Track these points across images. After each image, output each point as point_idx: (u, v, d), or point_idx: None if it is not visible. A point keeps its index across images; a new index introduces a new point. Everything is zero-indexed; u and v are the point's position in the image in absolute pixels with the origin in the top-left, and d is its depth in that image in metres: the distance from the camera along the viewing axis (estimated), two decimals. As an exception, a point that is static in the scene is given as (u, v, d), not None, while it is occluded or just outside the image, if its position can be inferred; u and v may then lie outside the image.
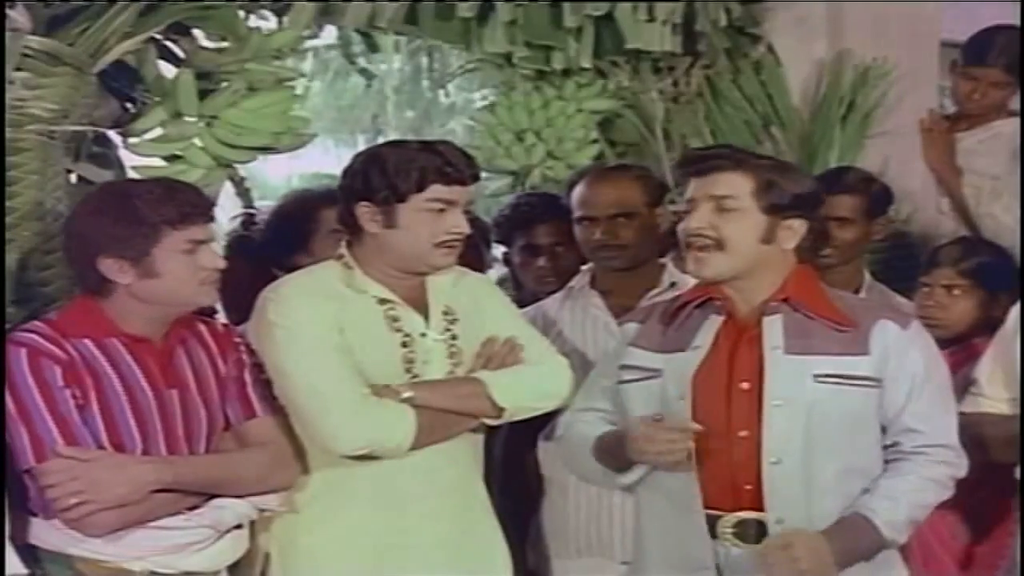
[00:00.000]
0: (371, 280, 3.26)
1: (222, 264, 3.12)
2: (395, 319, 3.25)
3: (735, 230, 3.02)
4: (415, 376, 3.24)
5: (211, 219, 3.15)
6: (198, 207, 3.09)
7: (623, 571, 3.68)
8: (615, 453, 3.12)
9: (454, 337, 3.30)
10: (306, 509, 3.25)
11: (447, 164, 3.21)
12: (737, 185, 3.02)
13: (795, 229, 3.06)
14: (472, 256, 3.70)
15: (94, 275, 3.05)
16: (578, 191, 3.86)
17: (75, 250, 3.11)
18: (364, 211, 3.23)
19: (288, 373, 3.18)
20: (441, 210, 3.22)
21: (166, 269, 3.03)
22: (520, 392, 3.28)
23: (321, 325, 3.18)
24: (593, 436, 3.18)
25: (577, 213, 3.83)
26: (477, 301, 3.35)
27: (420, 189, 3.20)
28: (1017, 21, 4.76)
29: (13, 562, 2.97)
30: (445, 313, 3.30)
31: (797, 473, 2.98)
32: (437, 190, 3.21)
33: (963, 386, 3.52)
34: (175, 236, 3.03)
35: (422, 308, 3.28)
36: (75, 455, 2.94)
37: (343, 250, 3.30)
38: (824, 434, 2.99)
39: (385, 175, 3.20)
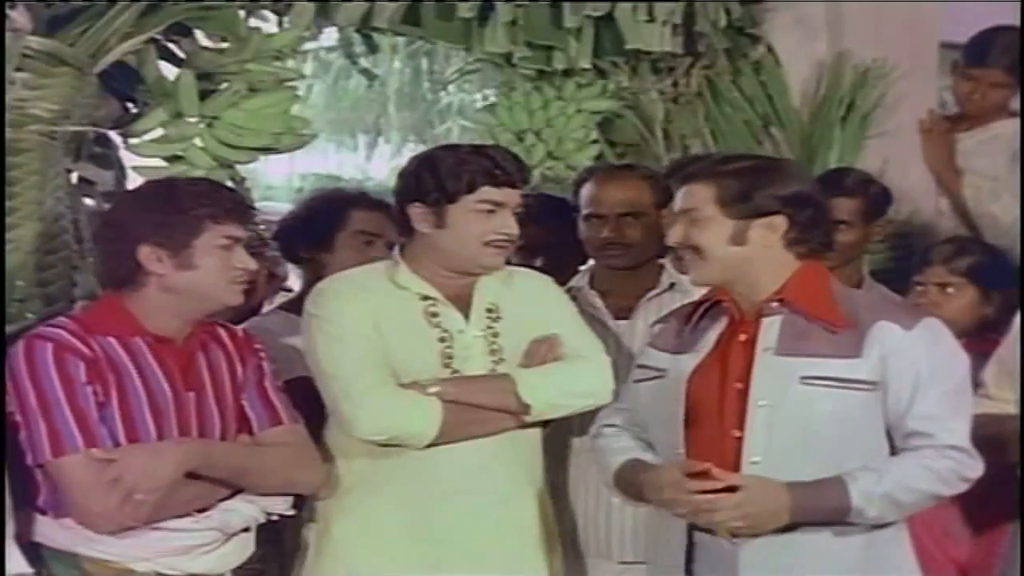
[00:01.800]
0: (417, 277, 3.32)
1: (253, 266, 3.15)
2: (434, 315, 3.30)
3: (704, 239, 3.06)
4: (455, 372, 3.28)
5: (249, 219, 3.19)
6: (239, 205, 3.15)
7: (620, 571, 3.70)
8: (632, 490, 3.18)
9: (495, 335, 3.33)
10: (341, 499, 3.30)
11: (497, 166, 3.28)
12: (700, 196, 3.07)
13: (774, 226, 3.06)
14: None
15: (129, 266, 3.06)
16: (588, 189, 3.86)
17: (114, 240, 3.12)
18: (416, 211, 3.30)
19: (319, 361, 3.27)
20: (490, 211, 3.28)
21: (203, 262, 3.06)
22: (550, 390, 3.30)
23: (353, 316, 3.26)
24: (613, 463, 3.22)
25: (585, 210, 3.84)
26: (530, 299, 3.40)
27: (470, 190, 3.27)
28: (1017, 22, 4.76)
29: (15, 561, 2.97)
30: (489, 311, 3.34)
31: (779, 474, 2.97)
32: (487, 192, 3.28)
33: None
34: (216, 230, 3.07)
35: (465, 306, 3.33)
36: (106, 456, 2.95)
37: (396, 250, 3.39)
38: (812, 436, 2.99)
39: (436, 176, 3.28)
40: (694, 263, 3.11)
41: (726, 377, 3.05)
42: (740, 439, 3.01)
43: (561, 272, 3.99)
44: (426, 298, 3.31)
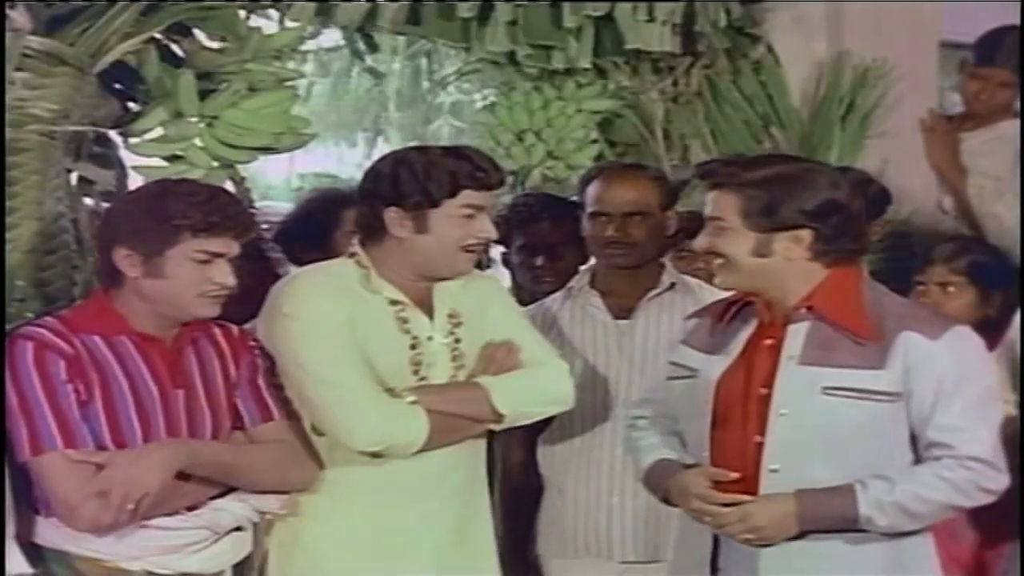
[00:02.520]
0: (384, 281, 3.24)
1: (232, 282, 3.08)
2: (405, 320, 3.24)
3: (729, 248, 3.04)
4: (422, 378, 3.24)
5: (242, 235, 3.10)
6: (230, 220, 3.06)
7: (622, 570, 3.71)
8: (660, 491, 3.18)
9: (458, 340, 3.29)
10: (307, 507, 3.24)
11: (478, 169, 3.21)
12: (726, 206, 3.04)
13: (801, 238, 3.02)
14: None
15: (108, 265, 3.06)
16: (594, 187, 3.82)
17: (101, 236, 3.12)
18: (393, 216, 3.20)
19: (304, 366, 3.17)
20: (470, 215, 3.22)
21: (174, 273, 3.02)
22: (521, 398, 3.28)
23: (336, 321, 3.17)
24: (644, 462, 3.21)
25: (591, 208, 3.80)
26: (482, 303, 3.35)
27: (453, 194, 3.19)
28: (1017, 21, 4.74)
29: (16, 561, 2.97)
30: (450, 316, 3.29)
31: (795, 482, 2.97)
32: (469, 195, 3.20)
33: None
34: (193, 243, 3.01)
35: (428, 310, 3.28)
36: (86, 459, 2.93)
37: (356, 248, 3.29)
38: (833, 446, 2.98)
39: (417, 180, 3.18)
40: (719, 269, 3.08)
41: (751, 382, 3.04)
42: (761, 445, 3.00)
43: (561, 271, 4.06)
44: (394, 303, 3.24)
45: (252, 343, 3.23)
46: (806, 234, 3.02)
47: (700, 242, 3.10)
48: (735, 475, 3.00)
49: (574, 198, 4.09)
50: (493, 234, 3.29)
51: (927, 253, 4.12)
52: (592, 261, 3.93)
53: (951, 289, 3.99)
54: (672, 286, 3.77)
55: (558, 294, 3.89)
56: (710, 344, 3.15)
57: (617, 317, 3.78)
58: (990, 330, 3.83)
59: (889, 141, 4.86)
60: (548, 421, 3.65)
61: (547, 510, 3.85)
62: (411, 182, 3.19)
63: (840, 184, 3.12)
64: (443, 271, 3.27)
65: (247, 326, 3.30)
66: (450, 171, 3.19)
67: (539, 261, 4.19)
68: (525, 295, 4.18)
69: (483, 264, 4.34)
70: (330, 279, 3.25)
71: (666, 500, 3.17)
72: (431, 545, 3.27)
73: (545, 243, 4.18)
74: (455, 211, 3.20)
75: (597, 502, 3.71)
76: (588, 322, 3.80)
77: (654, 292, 3.77)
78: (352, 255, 3.29)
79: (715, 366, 3.09)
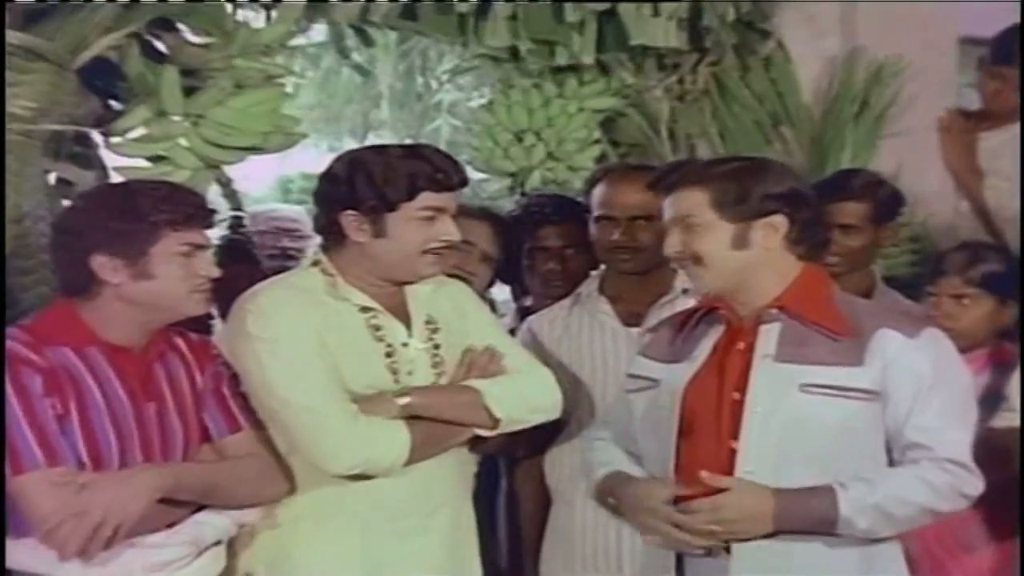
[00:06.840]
0: (352, 288, 3.21)
1: (216, 273, 3.07)
2: (378, 328, 3.21)
3: (704, 244, 3.03)
4: (403, 386, 3.22)
5: (210, 225, 3.10)
6: (200, 210, 3.06)
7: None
8: (613, 504, 3.16)
9: (436, 346, 3.26)
10: (297, 527, 3.21)
11: (437, 171, 3.18)
12: (694, 201, 3.03)
13: (775, 226, 3.02)
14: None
15: (82, 275, 2.99)
16: (600, 190, 3.80)
17: (65, 247, 3.04)
18: (350, 220, 3.18)
19: (274, 390, 3.13)
20: (430, 218, 3.18)
21: (161, 271, 2.99)
22: (514, 403, 3.25)
23: (305, 338, 3.13)
24: (597, 475, 3.20)
25: (597, 212, 3.79)
26: (459, 308, 3.33)
27: (411, 197, 3.16)
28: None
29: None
30: (427, 322, 3.27)
31: (773, 484, 2.93)
32: (428, 198, 3.17)
33: (981, 394, 3.48)
34: (174, 237, 2.99)
35: (403, 317, 3.25)
36: (67, 479, 2.87)
37: (320, 256, 3.26)
38: (807, 444, 2.95)
39: (373, 183, 3.16)
40: (695, 272, 3.06)
41: (723, 387, 3.01)
42: (735, 451, 2.96)
43: (572, 275, 4.02)
44: (366, 309, 3.21)
45: (214, 351, 3.19)
46: (781, 221, 3.03)
47: (672, 244, 3.07)
48: (697, 498, 2.94)
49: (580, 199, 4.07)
50: (456, 236, 3.24)
51: (938, 263, 4.04)
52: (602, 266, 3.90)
53: (966, 301, 3.88)
54: (685, 292, 3.69)
55: (566, 300, 3.87)
56: (671, 353, 3.15)
57: (627, 324, 3.74)
58: (1007, 339, 3.85)
59: (904, 141, 4.80)
60: (555, 433, 3.63)
61: (555, 524, 3.83)
62: (366, 185, 3.16)
63: (800, 176, 3.21)
64: (404, 275, 3.23)
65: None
66: (408, 173, 3.16)
67: (550, 264, 4.13)
68: (534, 298, 4.20)
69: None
70: (294, 292, 3.20)
71: (618, 511, 3.16)
72: (420, 557, 3.23)
73: (556, 246, 4.12)
74: (414, 214, 3.17)
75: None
76: (597, 329, 3.77)
77: (665, 299, 3.74)
78: (316, 263, 3.26)
79: (679, 374, 3.08)
